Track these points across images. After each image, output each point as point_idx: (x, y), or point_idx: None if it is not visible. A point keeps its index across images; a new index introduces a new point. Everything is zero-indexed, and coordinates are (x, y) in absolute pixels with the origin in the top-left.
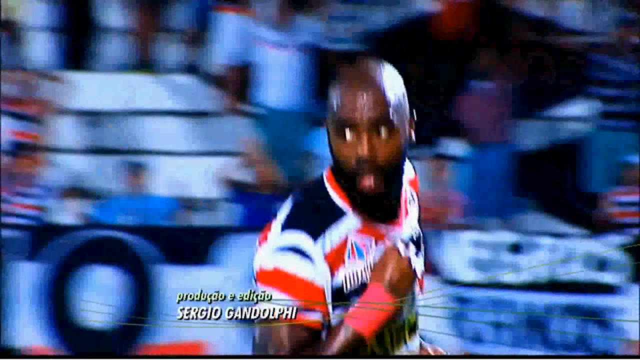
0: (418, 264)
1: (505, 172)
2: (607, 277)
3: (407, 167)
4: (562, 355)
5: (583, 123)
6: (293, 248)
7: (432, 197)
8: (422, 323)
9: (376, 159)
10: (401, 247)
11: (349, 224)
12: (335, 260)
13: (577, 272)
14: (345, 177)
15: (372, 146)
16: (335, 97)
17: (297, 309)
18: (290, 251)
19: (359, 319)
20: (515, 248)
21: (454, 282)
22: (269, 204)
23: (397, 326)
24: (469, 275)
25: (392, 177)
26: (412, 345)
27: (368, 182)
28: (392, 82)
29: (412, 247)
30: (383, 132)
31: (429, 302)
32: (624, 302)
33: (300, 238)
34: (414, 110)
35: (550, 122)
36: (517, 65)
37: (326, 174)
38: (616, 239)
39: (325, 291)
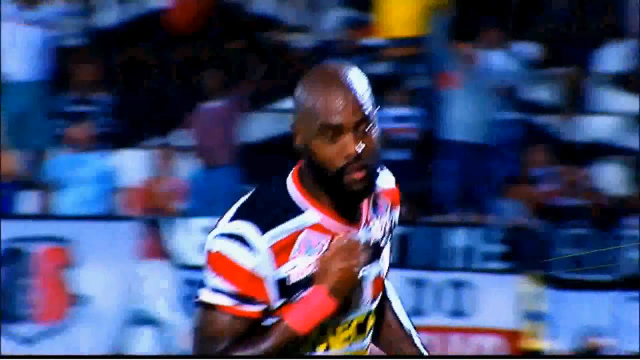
0: (372, 270)
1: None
2: None
3: (384, 177)
4: (563, 355)
5: None
6: (238, 236)
7: (159, 184)
8: (152, 305)
9: (363, 156)
10: (352, 250)
11: (304, 220)
12: (281, 253)
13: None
14: (329, 176)
15: (359, 144)
16: (309, 104)
17: (237, 300)
18: (235, 239)
19: (297, 317)
20: None
21: (184, 266)
22: (8, 192)
23: (342, 325)
24: (200, 259)
25: (375, 171)
26: (359, 345)
27: (358, 176)
28: (361, 81)
29: (366, 251)
30: (365, 129)
31: (161, 285)
32: None
33: (246, 227)
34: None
35: (280, 114)
36: (247, 60)
37: (291, 173)
38: None
39: (267, 282)
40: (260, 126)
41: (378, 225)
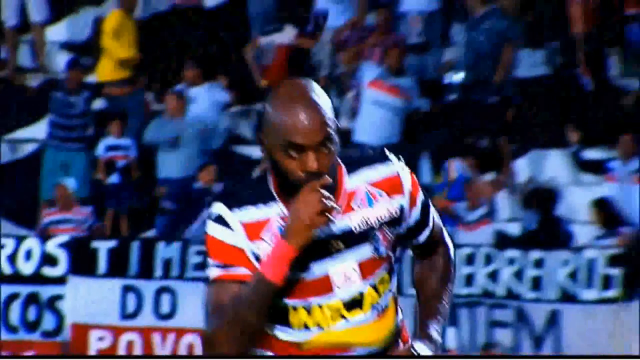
0: (358, 253)
1: None
2: (53, 271)
3: (377, 170)
4: (562, 355)
5: (39, 144)
6: (217, 216)
7: None
8: None
9: (320, 169)
10: (309, 201)
11: (276, 210)
12: (254, 231)
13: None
14: (291, 183)
15: (319, 161)
16: (277, 119)
17: (225, 268)
18: (215, 219)
19: (265, 264)
20: None
21: None
22: None
23: (330, 303)
24: None
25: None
26: (358, 320)
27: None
28: (324, 99)
29: (325, 205)
30: (326, 147)
31: None
32: (65, 291)
33: (219, 207)
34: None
35: (11, 143)
36: None
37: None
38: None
39: (247, 254)
40: None
41: (362, 214)
